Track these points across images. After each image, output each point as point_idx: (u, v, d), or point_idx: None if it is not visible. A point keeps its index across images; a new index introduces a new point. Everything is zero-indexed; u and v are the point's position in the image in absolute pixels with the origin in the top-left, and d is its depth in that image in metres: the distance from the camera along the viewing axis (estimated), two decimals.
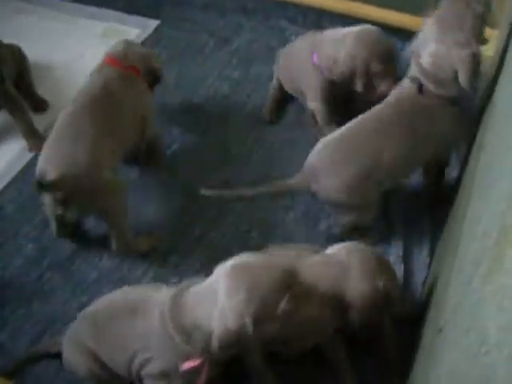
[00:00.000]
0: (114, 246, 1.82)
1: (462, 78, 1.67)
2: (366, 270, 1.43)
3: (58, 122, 1.80)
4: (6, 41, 2.25)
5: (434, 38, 1.70)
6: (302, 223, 1.93)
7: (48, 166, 1.69)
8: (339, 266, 1.44)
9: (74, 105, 1.82)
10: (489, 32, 1.86)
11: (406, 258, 1.83)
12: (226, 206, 1.97)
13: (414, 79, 1.75)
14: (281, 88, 2.27)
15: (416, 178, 2.00)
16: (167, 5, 2.73)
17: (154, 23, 2.65)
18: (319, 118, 2.14)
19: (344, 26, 2.10)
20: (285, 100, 2.29)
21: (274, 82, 2.29)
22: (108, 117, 1.80)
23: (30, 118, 2.17)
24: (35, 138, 2.14)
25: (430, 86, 1.72)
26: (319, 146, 1.83)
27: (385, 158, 1.75)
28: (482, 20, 1.72)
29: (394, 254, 1.83)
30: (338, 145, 1.81)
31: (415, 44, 1.78)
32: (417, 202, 1.98)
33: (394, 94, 1.82)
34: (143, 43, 2.54)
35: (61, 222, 1.82)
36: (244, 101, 2.31)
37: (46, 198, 1.75)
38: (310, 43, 2.11)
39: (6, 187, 2.05)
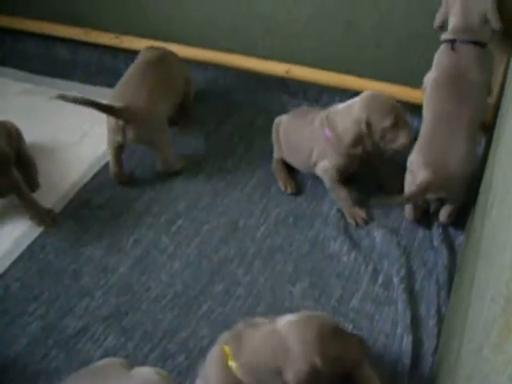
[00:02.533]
0: (158, 166, 2.33)
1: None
2: (302, 343, 1.39)
3: (128, 72, 2.33)
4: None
5: None
6: (309, 295, 1.92)
7: (118, 98, 2.19)
8: (278, 338, 1.41)
9: (138, 61, 2.39)
10: None
11: (415, 328, 1.81)
12: (234, 279, 1.97)
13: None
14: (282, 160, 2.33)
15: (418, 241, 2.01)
16: None
17: None
18: (327, 184, 2.20)
19: (342, 99, 2.17)
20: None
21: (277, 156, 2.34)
22: (164, 75, 2.34)
23: (32, 198, 2.20)
24: (40, 215, 2.17)
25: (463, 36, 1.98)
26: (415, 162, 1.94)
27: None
28: None
29: (402, 324, 1.81)
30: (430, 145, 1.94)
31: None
32: (423, 268, 1.98)
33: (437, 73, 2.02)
34: None
35: (118, 157, 2.27)
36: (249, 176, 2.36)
37: (111, 123, 2.18)
38: (318, 119, 2.17)
39: (13, 265, 2.05)
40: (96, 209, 2.25)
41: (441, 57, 2.04)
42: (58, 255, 2.08)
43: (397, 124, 2.02)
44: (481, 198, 1.75)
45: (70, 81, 2.88)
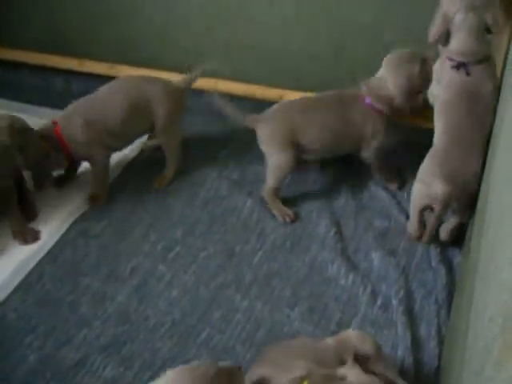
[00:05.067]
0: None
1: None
2: None
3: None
4: None
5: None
6: (308, 319, 1.91)
7: None
8: None
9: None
10: None
11: (415, 350, 1.79)
12: (232, 305, 1.97)
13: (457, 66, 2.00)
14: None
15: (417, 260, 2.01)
16: None
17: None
18: (379, 160, 2.31)
19: None
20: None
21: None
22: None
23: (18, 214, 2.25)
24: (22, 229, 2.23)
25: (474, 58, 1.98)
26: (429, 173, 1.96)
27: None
28: None
29: (402, 345, 1.80)
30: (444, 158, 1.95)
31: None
32: (422, 288, 1.98)
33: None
34: (144, 150, 2.63)
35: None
36: (244, 200, 2.36)
37: None
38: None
39: (10, 295, 2.04)
40: (93, 237, 2.25)
41: (450, 76, 2.02)
42: (56, 285, 2.07)
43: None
44: (477, 216, 1.75)
45: None
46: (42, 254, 2.19)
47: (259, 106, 2.45)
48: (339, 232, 2.19)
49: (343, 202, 2.32)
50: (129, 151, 2.59)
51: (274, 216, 2.27)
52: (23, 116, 2.28)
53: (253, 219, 2.28)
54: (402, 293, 1.95)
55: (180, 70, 2.59)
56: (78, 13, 2.90)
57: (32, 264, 2.15)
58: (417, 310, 1.91)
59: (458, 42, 2.00)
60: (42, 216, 2.34)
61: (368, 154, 2.29)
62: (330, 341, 1.54)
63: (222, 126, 2.69)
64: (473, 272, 1.40)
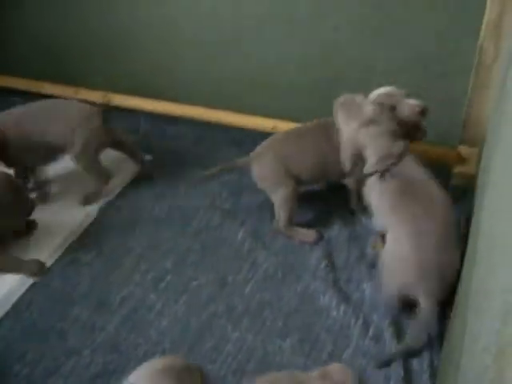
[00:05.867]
0: None
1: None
2: None
3: None
4: None
5: None
6: (299, 350, 1.90)
7: None
8: None
9: None
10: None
11: (408, 382, 1.78)
12: (223, 335, 1.95)
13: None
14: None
15: None
16: (158, 140, 2.86)
17: (146, 158, 2.74)
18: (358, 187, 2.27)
19: None
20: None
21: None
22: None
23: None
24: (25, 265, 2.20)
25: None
26: None
27: None
28: None
29: (394, 378, 1.79)
30: None
31: None
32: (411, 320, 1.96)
33: None
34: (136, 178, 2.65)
35: None
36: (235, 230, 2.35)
37: None
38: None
39: None
40: (84, 266, 2.23)
41: (383, 185, 2.06)
42: (44, 314, 2.05)
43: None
44: (469, 248, 1.76)
45: None
46: (31, 281, 2.17)
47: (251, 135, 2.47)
48: (331, 262, 2.19)
49: (336, 231, 2.33)
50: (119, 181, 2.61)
51: (265, 246, 2.27)
52: None
53: (244, 248, 2.28)
54: (394, 324, 1.94)
55: (174, 99, 2.62)
56: (75, 42, 2.93)
57: (21, 292, 2.13)
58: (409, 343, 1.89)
59: (372, 157, 2.11)
60: (33, 242, 2.33)
61: (349, 180, 2.32)
62: (314, 374, 1.54)
63: (213, 156, 2.70)
64: (465, 301, 1.40)
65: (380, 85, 2.23)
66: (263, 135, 2.44)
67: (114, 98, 2.88)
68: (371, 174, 2.05)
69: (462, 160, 2.38)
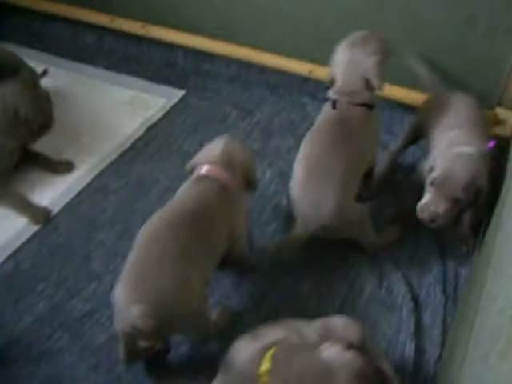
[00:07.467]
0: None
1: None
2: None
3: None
4: None
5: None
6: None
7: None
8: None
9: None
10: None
11: (418, 336, 1.80)
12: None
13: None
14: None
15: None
16: (193, 76, 2.84)
17: (179, 93, 2.74)
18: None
19: None
20: None
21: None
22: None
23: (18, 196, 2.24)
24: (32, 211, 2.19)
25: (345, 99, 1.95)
26: None
27: None
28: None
29: (405, 331, 1.81)
30: None
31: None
32: (427, 277, 1.97)
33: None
34: (169, 112, 2.64)
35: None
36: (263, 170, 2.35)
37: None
38: None
39: (25, 244, 2.08)
40: (112, 193, 2.27)
41: (322, 113, 2.03)
42: (70, 237, 2.10)
43: None
44: (495, 211, 1.74)
45: (94, 67, 2.91)
46: (60, 206, 2.22)
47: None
48: None
49: None
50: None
51: None
52: (53, 69, 2.28)
53: (270, 190, 2.28)
54: (410, 279, 1.95)
55: (213, 35, 2.56)
56: None
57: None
58: (423, 298, 1.90)
59: (336, 82, 2.01)
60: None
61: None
62: (316, 324, 1.47)
63: (247, 96, 2.67)
64: (486, 264, 1.40)
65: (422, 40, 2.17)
66: (299, 80, 2.40)
67: (150, 30, 2.85)
68: None
69: (498, 122, 2.33)
